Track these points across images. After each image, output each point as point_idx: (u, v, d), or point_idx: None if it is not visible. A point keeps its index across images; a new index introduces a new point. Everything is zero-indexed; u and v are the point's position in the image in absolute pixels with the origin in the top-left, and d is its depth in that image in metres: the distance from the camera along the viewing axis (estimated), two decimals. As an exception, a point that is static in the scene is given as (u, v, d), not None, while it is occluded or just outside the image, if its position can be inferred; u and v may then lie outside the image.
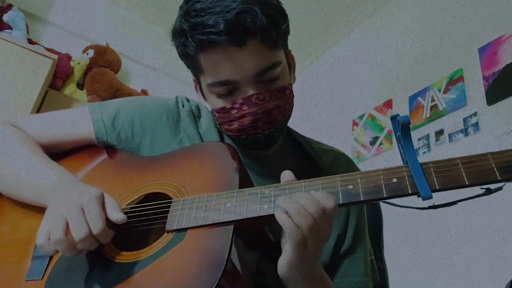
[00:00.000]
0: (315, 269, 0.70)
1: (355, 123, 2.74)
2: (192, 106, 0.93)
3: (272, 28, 0.75)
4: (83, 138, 0.89)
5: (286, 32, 0.81)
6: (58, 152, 0.89)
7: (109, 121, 0.87)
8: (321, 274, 0.73)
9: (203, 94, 0.85)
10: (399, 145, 0.66)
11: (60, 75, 2.60)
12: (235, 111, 0.78)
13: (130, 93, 2.88)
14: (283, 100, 0.79)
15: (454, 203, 0.64)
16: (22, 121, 0.91)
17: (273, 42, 0.76)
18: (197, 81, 0.85)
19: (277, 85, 0.78)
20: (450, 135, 2.05)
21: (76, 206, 0.66)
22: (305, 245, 0.62)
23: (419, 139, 2.19)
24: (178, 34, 0.77)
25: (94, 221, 0.65)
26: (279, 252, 0.79)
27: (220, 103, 0.79)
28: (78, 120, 0.89)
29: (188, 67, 0.84)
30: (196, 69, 0.80)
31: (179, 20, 0.77)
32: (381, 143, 2.48)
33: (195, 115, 0.92)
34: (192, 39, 0.74)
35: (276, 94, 0.78)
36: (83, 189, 0.71)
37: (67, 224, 0.65)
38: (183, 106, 0.93)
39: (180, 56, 0.82)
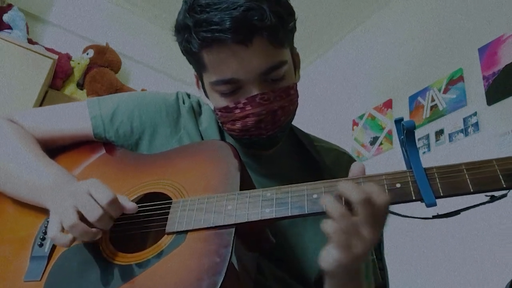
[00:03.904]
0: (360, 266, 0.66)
1: (355, 123, 2.75)
2: (192, 102, 0.91)
3: (280, 27, 0.72)
4: (80, 134, 0.87)
5: (293, 30, 0.78)
6: (55, 147, 0.88)
7: (108, 117, 0.86)
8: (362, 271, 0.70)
9: (205, 92, 0.83)
10: (403, 149, 0.64)
11: (60, 75, 2.60)
12: (238, 110, 0.75)
13: (130, 93, 2.88)
14: (288, 100, 0.77)
15: (457, 213, 0.62)
16: (19, 116, 0.90)
17: (280, 41, 0.74)
18: (199, 78, 0.83)
19: (282, 85, 0.76)
20: (450, 135, 2.05)
21: (82, 192, 0.67)
22: (350, 246, 0.59)
23: (419, 139, 2.19)
24: (182, 29, 0.74)
25: (104, 197, 0.65)
26: (278, 252, 0.79)
27: (223, 102, 0.77)
28: (76, 115, 0.87)
29: (190, 63, 0.82)
30: (199, 66, 0.78)
31: (183, 15, 0.74)
32: (381, 143, 2.48)
33: (196, 112, 0.90)
34: (197, 35, 0.71)
35: (281, 94, 0.76)
36: (82, 182, 0.71)
37: (78, 211, 0.65)
38: (183, 102, 0.91)
39: (182, 52, 0.80)
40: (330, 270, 0.63)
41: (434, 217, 0.63)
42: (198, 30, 0.71)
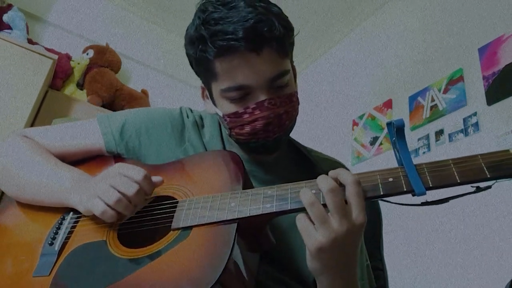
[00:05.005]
0: (340, 266, 0.66)
1: (355, 123, 2.74)
2: (195, 116, 0.97)
3: (286, 38, 0.82)
4: (93, 149, 0.92)
5: (293, 43, 0.86)
6: (67, 163, 0.92)
7: (118, 132, 0.91)
8: (349, 273, 0.68)
9: (213, 101, 0.88)
10: (395, 149, 0.69)
11: (60, 75, 2.60)
12: (247, 115, 0.82)
13: (130, 93, 2.88)
14: (291, 106, 0.84)
15: (446, 200, 0.67)
16: (32, 133, 0.95)
17: (285, 51, 0.83)
18: (207, 88, 0.88)
19: (286, 91, 0.83)
20: (450, 135, 2.05)
21: (114, 174, 0.73)
22: (311, 233, 0.63)
23: (419, 139, 2.19)
24: (196, 40, 0.81)
25: (137, 173, 0.72)
26: (278, 253, 0.80)
27: (232, 108, 0.83)
28: (87, 132, 0.93)
29: (199, 74, 0.88)
30: (209, 75, 0.84)
31: (197, 28, 0.81)
32: (381, 143, 2.48)
33: (199, 125, 0.96)
34: (213, 44, 0.78)
35: (285, 100, 0.83)
36: (108, 168, 0.77)
37: (116, 189, 0.71)
38: (187, 116, 0.97)
39: (192, 64, 0.87)
40: (308, 265, 0.66)
41: (423, 203, 0.67)
42: (214, 39, 0.78)
